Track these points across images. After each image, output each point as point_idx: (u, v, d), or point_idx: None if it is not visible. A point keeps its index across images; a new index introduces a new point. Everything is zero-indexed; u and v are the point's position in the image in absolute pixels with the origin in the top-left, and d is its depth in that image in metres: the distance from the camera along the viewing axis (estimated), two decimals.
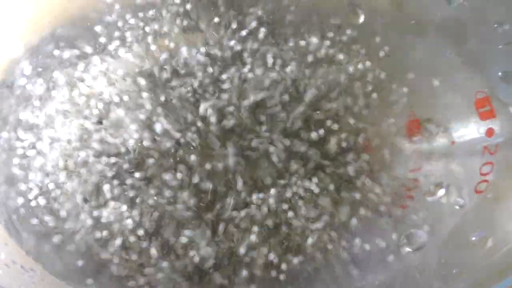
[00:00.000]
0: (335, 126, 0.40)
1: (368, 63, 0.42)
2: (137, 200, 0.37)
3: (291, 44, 0.42)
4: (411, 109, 0.40)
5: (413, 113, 0.41)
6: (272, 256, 0.37)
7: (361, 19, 0.42)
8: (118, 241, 0.36)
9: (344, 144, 0.40)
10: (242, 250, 0.36)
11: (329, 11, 0.43)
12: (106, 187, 0.37)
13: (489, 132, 0.37)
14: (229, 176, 0.38)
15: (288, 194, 0.38)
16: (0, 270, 0.28)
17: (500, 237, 0.29)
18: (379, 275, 0.33)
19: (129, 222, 0.37)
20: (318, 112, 0.40)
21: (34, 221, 0.35)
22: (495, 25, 0.37)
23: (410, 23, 0.40)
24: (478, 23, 0.37)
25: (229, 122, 0.39)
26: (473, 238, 0.30)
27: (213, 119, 0.39)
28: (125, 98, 0.40)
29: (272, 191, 0.37)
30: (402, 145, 0.40)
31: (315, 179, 0.38)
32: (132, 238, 0.37)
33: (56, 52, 0.40)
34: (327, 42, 0.42)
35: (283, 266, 0.36)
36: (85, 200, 0.37)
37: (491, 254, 0.27)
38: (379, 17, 0.41)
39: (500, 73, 0.37)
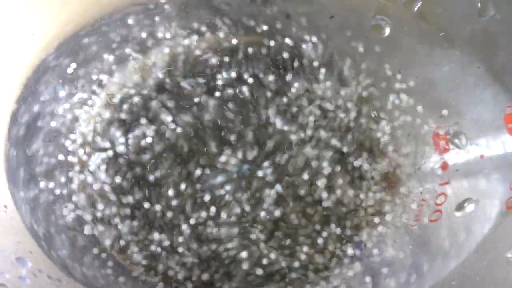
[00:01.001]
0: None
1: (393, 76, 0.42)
2: None
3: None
4: (439, 123, 0.40)
5: (441, 127, 0.40)
6: None
7: (387, 32, 0.42)
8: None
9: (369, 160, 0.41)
10: None
11: (354, 24, 0.43)
12: None
13: None
14: None
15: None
16: (27, 279, 0.27)
17: None
18: None
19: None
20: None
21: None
22: None
23: (439, 36, 0.40)
24: (509, 36, 0.37)
25: None
26: (509, 255, 0.29)
27: None
28: None
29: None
30: (430, 159, 0.40)
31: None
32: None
33: None
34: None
35: None
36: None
37: None
38: (405, 29, 0.41)
39: None
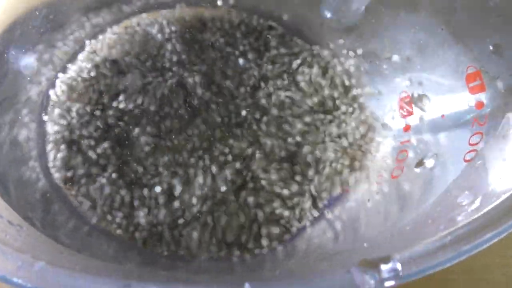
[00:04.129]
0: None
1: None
2: None
3: None
4: (403, 85, 0.41)
5: (405, 91, 0.41)
6: None
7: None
8: None
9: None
10: None
11: None
12: None
13: (479, 105, 0.37)
14: None
15: None
16: None
17: (486, 198, 0.29)
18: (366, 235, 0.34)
19: None
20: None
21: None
22: None
23: None
24: None
25: None
26: (460, 200, 0.30)
27: None
28: None
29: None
30: (394, 119, 0.41)
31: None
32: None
33: None
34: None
35: None
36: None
37: (477, 212, 0.27)
38: None
39: (491, 47, 0.37)
